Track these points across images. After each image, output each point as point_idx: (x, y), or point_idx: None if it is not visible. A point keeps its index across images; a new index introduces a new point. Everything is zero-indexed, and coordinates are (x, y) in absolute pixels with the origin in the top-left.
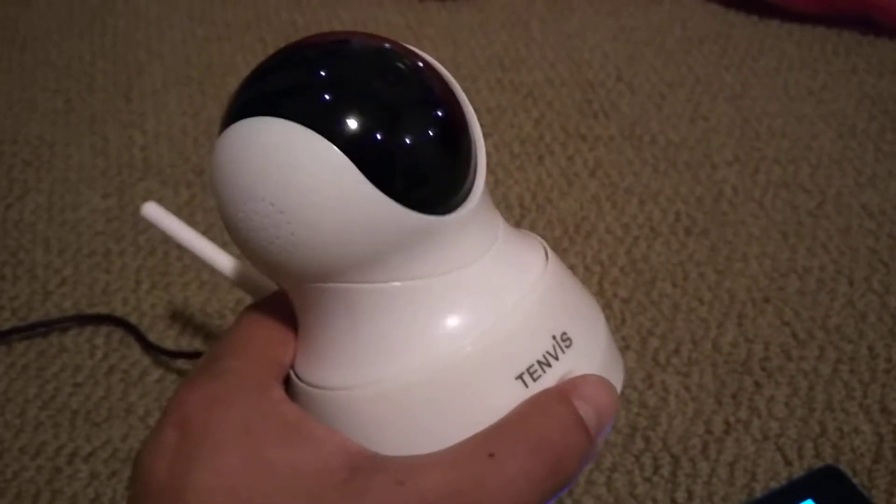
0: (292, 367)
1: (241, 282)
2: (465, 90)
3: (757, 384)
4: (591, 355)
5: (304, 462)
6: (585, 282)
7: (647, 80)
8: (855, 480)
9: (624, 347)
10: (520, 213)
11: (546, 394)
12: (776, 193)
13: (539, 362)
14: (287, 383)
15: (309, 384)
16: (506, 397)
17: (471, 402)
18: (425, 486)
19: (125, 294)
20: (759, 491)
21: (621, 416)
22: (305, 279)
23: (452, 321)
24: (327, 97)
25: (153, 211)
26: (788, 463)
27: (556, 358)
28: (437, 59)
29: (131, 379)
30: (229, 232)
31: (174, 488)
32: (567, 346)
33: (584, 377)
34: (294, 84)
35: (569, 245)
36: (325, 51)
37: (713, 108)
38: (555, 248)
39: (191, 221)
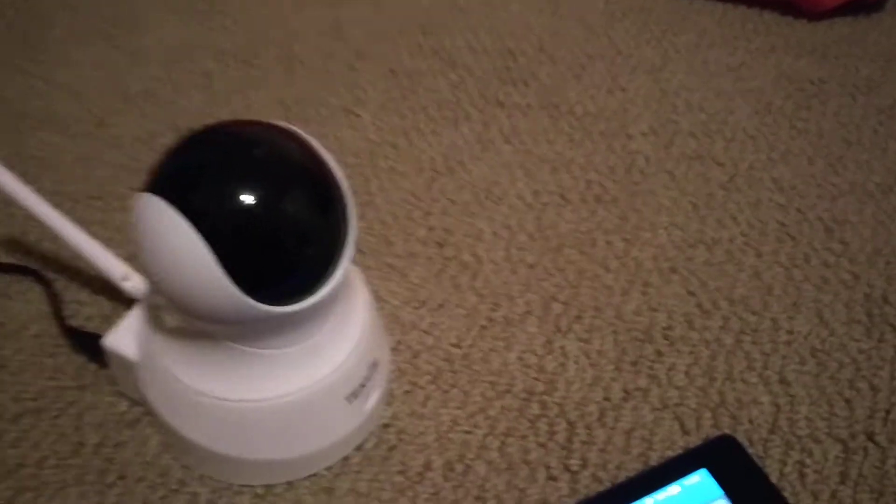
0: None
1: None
2: (383, 53)
3: (658, 352)
4: (384, 368)
5: None
6: (492, 247)
7: (569, 51)
8: (750, 450)
9: (525, 313)
10: (431, 175)
11: None
12: (689, 165)
13: (360, 385)
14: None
15: (216, 397)
16: (339, 411)
17: (319, 413)
18: None
19: (28, 242)
20: (654, 459)
21: (517, 380)
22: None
23: (313, 367)
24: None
25: None
26: (686, 432)
27: (370, 379)
28: (356, 20)
29: None
30: None
31: None
32: (375, 370)
33: None
34: (189, 174)
35: (478, 210)
36: (229, 151)
37: (632, 79)
38: (463, 213)
39: (89, 175)
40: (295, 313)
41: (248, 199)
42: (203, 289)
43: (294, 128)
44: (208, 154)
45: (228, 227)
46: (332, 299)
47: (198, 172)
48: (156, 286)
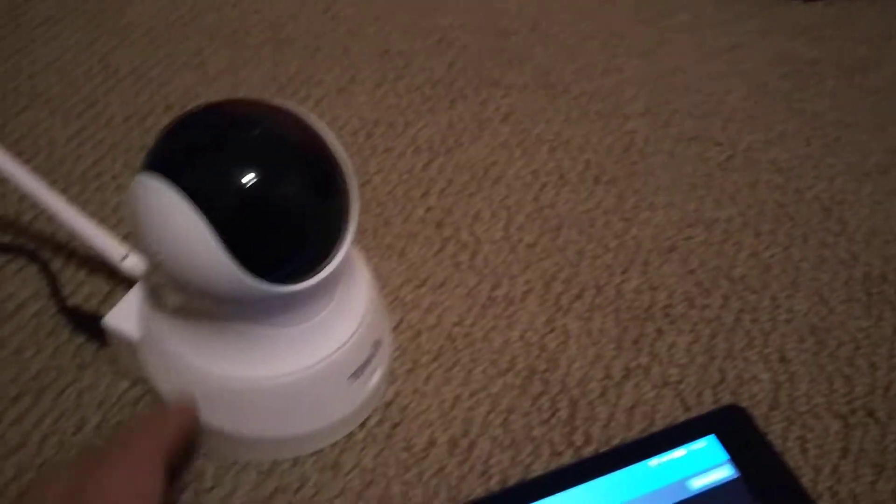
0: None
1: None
2: (375, 33)
3: (659, 331)
4: (387, 347)
5: None
6: (491, 227)
7: (563, 30)
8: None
9: (526, 291)
10: (428, 156)
11: None
12: (687, 146)
13: (364, 364)
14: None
15: (232, 377)
16: (342, 389)
17: (322, 392)
18: None
19: (22, 223)
20: None
21: (519, 358)
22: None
23: (317, 346)
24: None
25: None
26: (687, 409)
27: (373, 357)
28: (348, 2)
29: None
30: None
31: None
32: (378, 348)
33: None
34: (191, 155)
35: (476, 189)
36: (232, 132)
37: (627, 60)
38: (461, 193)
39: (82, 154)
40: (298, 292)
41: (249, 179)
42: (205, 268)
43: (292, 105)
44: (209, 133)
45: (229, 208)
46: (334, 279)
47: (199, 152)
48: (156, 266)
